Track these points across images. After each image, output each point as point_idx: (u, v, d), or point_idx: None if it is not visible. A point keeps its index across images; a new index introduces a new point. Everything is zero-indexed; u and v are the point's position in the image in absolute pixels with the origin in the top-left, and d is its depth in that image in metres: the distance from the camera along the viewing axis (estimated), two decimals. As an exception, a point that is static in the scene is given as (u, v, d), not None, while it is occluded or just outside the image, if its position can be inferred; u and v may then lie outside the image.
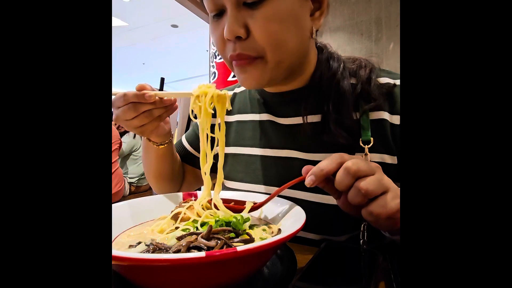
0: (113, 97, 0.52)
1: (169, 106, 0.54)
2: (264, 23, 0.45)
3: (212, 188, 0.50)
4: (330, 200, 0.52)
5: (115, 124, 2.65)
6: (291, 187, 0.45)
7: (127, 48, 5.53)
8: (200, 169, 0.76)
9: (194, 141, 0.76)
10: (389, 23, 2.47)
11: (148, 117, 0.53)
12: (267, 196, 0.47)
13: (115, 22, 4.44)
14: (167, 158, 0.67)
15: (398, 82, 0.54)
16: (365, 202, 0.37)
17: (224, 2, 0.46)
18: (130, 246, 0.38)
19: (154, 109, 0.53)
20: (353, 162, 0.37)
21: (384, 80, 0.54)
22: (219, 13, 0.48)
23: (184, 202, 0.48)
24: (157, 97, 0.51)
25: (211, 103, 0.49)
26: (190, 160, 0.77)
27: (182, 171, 0.77)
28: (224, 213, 0.44)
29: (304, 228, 0.48)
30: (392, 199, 0.37)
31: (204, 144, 0.49)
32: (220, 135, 0.50)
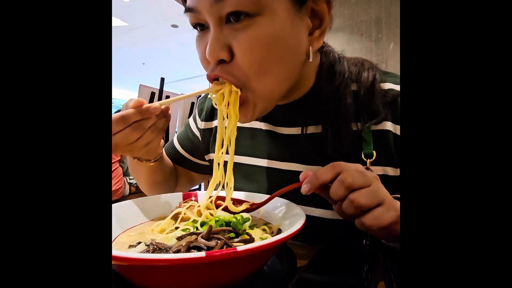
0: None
1: (168, 116, 0.50)
2: (248, 47, 0.40)
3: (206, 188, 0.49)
4: (332, 215, 0.51)
5: None
6: (291, 200, 0.46)
7: (127, 48, 5.54)
8: (193, 171, 0.75)
9: (187, 144, 0.73)
10: (389, 23, 2.47)
11: (154, 132, 0.48)
12: (268, 196, 0.47)
13: (115, 22, 4.44)
14: (158, 170, 0.64)
15: None
16: (358, 213, 0.37)
17: (206, 19, 0.41)
18: (130, 246, 0.38)
19: (158, 121, 0.48)
20: (348, 173, 0.37)
21: (388, 85, 0.52)
22: (202, 28, 0.44)
23: (184, 202, 0.48)
24: (162, 107, 0.46)
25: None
26: (182, 162, 0.74)
27: (175, 174, 0.74)
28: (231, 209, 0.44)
29: (305, 240, 0.48)
30: (386, 211, 0.37)
31: (221, 124, 0.46)
32: (233, 110, 0.45)
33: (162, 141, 0.57)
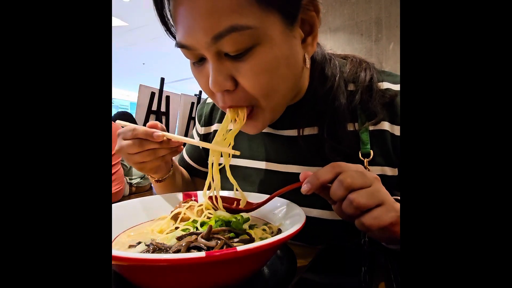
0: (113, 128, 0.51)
1: (174, 148, 0.54)
2: (252, 76, 0.40)
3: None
4: (331, 215, 0.51)
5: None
6: (290, 200, 0.46)
7: (127, 49, 5.54)
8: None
9: (193, 154, 0.75)
10: (389, 23, 2.47)
11: (151, 155, 0.52)
12: (267, 196, 0.47)
13: (115, 22, 4.44)
14: (169, 187, 0.66)
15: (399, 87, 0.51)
16: (357, 213, 0.37)
17: (203, 53, 0.41)
18: (130, 246, 0.38)
19: (159, 149, 0.52)
20: (348, 174, 0.37)
21: (385, 85, 0.52)
22: (199, 60, 0.43)
23: (184, 202, 0.48)
24: (165, 138, 0.50)
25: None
26: (193, 172, 0.76)
27: (193, 186, 0.76)
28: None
29: (305, 240, 0.47)
30: (386, 212, 0.36)
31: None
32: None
33: (167, 165, 0.61)
